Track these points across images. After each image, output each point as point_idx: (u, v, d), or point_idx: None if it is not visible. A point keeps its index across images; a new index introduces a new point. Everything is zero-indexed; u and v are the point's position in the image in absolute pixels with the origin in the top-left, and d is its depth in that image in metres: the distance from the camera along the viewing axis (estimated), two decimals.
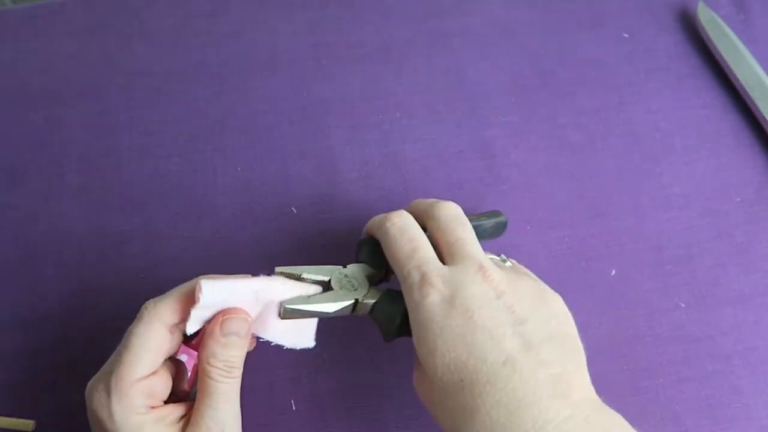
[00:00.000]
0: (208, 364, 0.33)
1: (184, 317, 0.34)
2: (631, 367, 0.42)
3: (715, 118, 0.51)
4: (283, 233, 0.46)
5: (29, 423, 0.41)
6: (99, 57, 0.53)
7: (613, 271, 0.45)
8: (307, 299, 0.35)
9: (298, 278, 0.36)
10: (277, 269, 0.36)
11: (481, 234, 0.40)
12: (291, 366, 0.43)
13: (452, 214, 0.37)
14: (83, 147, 0.50)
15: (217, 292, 0.33)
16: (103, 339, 0.43)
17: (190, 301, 0.33)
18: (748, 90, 0.50)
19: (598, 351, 0.43)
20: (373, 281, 0.37)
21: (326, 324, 0.42)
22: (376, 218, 0.38)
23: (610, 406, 0.41)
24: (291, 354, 0.43)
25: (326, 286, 0.36)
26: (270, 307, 0.35)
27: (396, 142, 0.50)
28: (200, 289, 0.33)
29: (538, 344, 0.32)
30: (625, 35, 0.54)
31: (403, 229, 0.36)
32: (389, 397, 0.42)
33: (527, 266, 0.45)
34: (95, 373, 0.43)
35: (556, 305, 0.35)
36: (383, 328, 0.36)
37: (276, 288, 0.35)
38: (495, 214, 0.43)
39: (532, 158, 0.49)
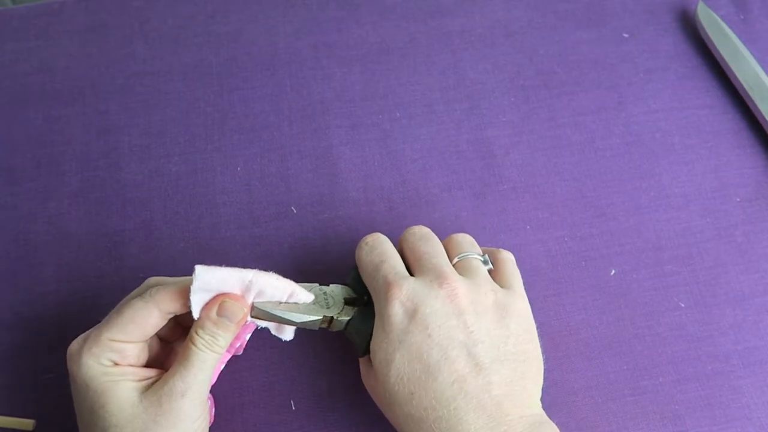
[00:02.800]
0: (195, 333, 0.35)
1: (181, 308, 0.35)
2: (630, 366, 0.42)
3: (715, 118, 0.51)
4: (283, 233, 0.46)
5: (29, 423, 0.41)
6: (99, 57, 0.53)
7: (613, 271, 0.45)
8: (278, 305, 0.36)
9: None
10: None
11: None
12: (291, 366, 0.43)
13: (419, 234, 0.39)
14: (83, 147, 0.50)
15: (210, 278, 0.34)
16: None
17: (185, 297, 0.35)
18: (748, 90, 0.50)
19: (598, 350, 0.43)
20: (353, 304, 0.39)
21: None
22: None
23: (610, 405, 0.41)
24: (291, 354, 0.43)
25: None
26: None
27: (396, 142, 0.50)
28: (195, 274, 0.34)
29: (489, 365, 0.34)
30: (625, 35, 0.54)
31: (373, 246, 0.38)
32: None
33: (528, 266, 0.45)
34: None
35: (516, 324, 0.36)
36: (356, 343, 0.38)
37: (269, 281, 0.36)
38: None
39: (532, 158, 0.49)
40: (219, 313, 0.35)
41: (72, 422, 0.41)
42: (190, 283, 0.34)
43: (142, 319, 0.34)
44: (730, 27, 0.53)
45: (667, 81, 0.52)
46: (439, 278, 0.36)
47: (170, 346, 0.39)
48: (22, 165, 0.49)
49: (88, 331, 0.35)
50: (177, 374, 0.34)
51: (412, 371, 0.34)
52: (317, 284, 0.39)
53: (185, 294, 0.35)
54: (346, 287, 0.39)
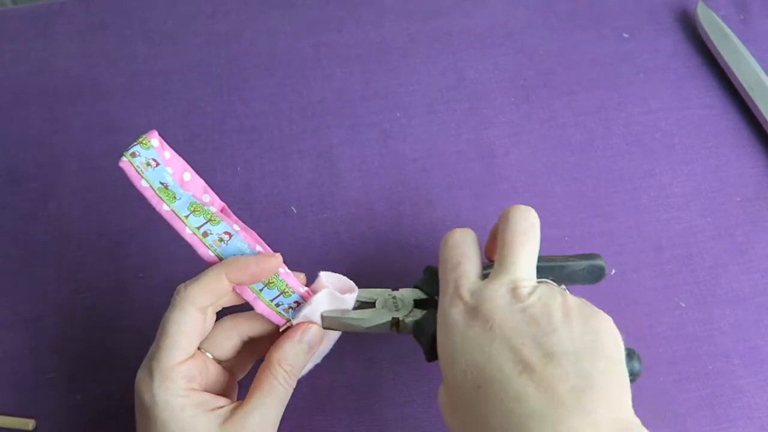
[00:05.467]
0: (279, 365, 0.36)
1: (214, 299, 0.35)
2: None
3: (715, 118, 0.51)
4: (283, 233, 0.46)
5: (29, 422, 0.41)
6: (99, 57, 0.53)
7: (613, 271, 0.45)
8: (347, 312, 0.37)
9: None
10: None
11: (570, 277, 0.38)
12: None
13: (520, 228, 0.35)
14: (83, 147, 0.50)
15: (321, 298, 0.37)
16: (103, 338, 0.44)
17: (218, 283, 0.35)
18: (748, 90, 0.50)
19: None
20: (422, 306, 0.38)
21: None
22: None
23: None
24: None
25: (371, 306, 0.39)
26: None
27: (396, 142, 0.50)
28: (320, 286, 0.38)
29: (560, 356, 0.30)
30: (625, 35, 0.54)
31: (457, 243, 0.36)
32: (389, 396, 0.42)
33: None
34: (95, 373, 0.43)
35: (597, 322, 0.32)
36: (424, 346, 0.36)
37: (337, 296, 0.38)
38: (590, 256, 0.39)
39: (532, 158, 0.49)
40: (301, 339, 0.36)
41: (72, 422, 0.41)
42: (216, 272, 0.35)
43: (187, 326, 0.35)
44: (730, 27, 0.53)
45: (667, 81, 0.52)
46: (510, 286, 0.33)
47: (230, 374, 0.39)
48: (23, 165, 0.49)
49: (147, 361, 0.35)
50: (257, 410, 0.34)
51: (475, 364, 0.31)
52: (389, 289, 0.39)
53: (214, 284, 0.35)
54: (416, 290, 0.39)
